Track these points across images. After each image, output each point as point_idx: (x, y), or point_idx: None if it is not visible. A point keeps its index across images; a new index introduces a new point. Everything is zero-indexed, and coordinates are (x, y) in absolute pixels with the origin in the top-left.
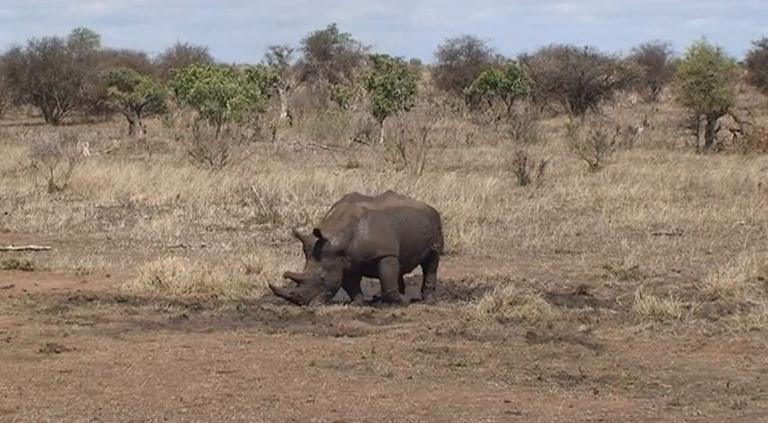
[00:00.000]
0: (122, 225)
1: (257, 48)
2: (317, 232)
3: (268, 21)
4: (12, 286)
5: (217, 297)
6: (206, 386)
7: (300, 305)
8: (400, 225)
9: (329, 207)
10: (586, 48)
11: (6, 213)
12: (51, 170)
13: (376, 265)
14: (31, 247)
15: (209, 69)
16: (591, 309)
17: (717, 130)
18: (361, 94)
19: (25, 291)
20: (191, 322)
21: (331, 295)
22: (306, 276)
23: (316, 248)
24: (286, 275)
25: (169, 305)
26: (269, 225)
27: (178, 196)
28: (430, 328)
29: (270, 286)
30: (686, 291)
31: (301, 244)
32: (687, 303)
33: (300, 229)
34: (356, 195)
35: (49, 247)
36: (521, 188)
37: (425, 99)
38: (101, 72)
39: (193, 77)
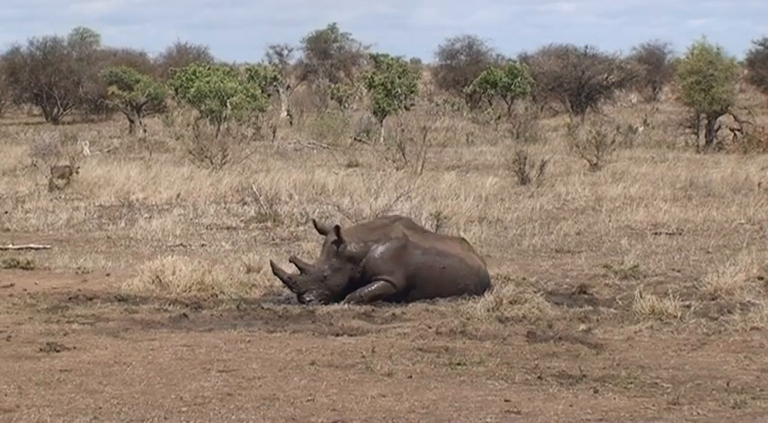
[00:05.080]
0: (122, 224)
1: (257, 47)
2: (337, 229)
3: (268, 20)
4: (12, 285)
5: (217, 296)
6: (206, 385)
7: (293, 292)
8: (430, 269)
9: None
10: (586, 47)
11: (6, 212)
12: (51, 169)
13: (370, 279)
14: (32, 246)
15: (209, 68)
16: (591, 308)
17: (717, 130)
18: (362, 94)
19: (25, 290)
20: (191, 321)
21: (329, 295)
22: (310, 268)
23: (331, 245)
24: (291, 260)
25: (169, 304)
26: (269, 224)
27: (178, 195)
28: (430, 328)
29: (270, 262)
30: (686, 290)
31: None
32: (687, 303)
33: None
34: (410, 222)
35: (49, 246)
36: (521, 187)
37: (425, 98)
38: (101, 71)
39: (193, 77)
